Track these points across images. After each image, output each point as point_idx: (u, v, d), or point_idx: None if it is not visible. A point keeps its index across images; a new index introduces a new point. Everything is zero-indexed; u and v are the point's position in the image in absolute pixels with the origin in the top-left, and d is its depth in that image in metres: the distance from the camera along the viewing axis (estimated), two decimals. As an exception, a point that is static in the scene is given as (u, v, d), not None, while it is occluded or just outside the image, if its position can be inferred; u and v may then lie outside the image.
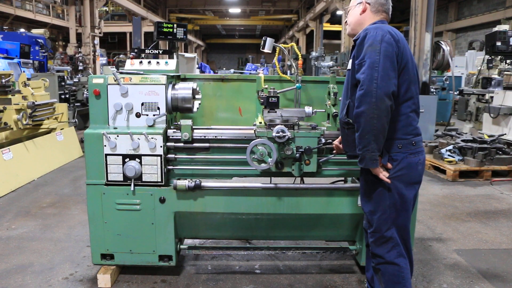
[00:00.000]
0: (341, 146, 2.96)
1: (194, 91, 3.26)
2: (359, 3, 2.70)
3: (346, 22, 2.83)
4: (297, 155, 2.98)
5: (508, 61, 9.43)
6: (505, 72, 9.41)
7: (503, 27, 10.22)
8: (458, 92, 10.25)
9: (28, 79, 7.69)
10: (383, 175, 2.51)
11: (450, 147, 7.15)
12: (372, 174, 2.55)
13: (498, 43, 8.00)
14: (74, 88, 10.64)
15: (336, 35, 25.66)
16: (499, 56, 9.15)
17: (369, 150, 2.42)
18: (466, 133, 8.28)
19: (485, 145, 6.96)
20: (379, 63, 2.38)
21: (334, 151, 3.09)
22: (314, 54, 18.04)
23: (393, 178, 2.52)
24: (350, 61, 2.64)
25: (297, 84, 3.57)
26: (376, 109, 2.35)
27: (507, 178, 6.77)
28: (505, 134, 7.56)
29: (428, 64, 8.93)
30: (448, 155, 7.04)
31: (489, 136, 7.47)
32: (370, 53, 2.41)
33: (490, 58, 9.46)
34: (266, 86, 3.42)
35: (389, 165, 2.52)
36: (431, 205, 5.44)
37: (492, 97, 8.49)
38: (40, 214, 4.95)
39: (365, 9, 2.68)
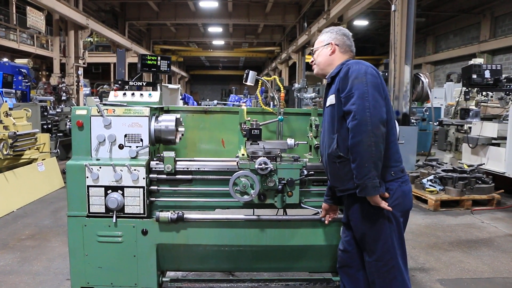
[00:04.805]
0: (329, 210, 3.08)
1: (177, 123, 3.29)
2: (327, 44, 2.83)
3: (313, 61, 2.93)
4: (280, 186, 3.00)
5: (484, 93, 9.69)
6: (482, 104, 9.67)
7: (478, 60, 10.56)
8: (437, 122, 10.46)
9: (10, 109, 7.65)
10: (384, 204, 2.51)
11: (431, 177, 7.25)
12: (369, 203, 2.55)
13: (474, 76, 8.22)
14: (56, 118, 10.59)
15: (319, 66, 26.02)
16: (476, 88, 9.40)
17: (371, 178, 2.45)
18: (446, 163, 8.43)
19: (465, 175, 7.10)
20: (369, 93, 2.46)
21: (321, 216, 3.12)
22: (296, 85, 18.26)
23: (392, 207, 2.55)
24: (331, 97, 2.69)
25: (279, 117, 3.62)
26: (373, 136, 2.41)
27: (487, 207, 6.87)
28: (484, 163, 7.71)
29: (408, 95, 9.14)
30: (430, 185, 7.14)
31: (469, 166, 7.61)
32: (358, 85, 2.49)
33: (467, 90, 9.72)
34: (249, 118, 3.45)
35: (386, 194, 2.55)
36: (413, 235, 5.48)
37: (470, 128, 8.69)
38: (18, 246, 4.84)
39: (334, 50, 2.82)
